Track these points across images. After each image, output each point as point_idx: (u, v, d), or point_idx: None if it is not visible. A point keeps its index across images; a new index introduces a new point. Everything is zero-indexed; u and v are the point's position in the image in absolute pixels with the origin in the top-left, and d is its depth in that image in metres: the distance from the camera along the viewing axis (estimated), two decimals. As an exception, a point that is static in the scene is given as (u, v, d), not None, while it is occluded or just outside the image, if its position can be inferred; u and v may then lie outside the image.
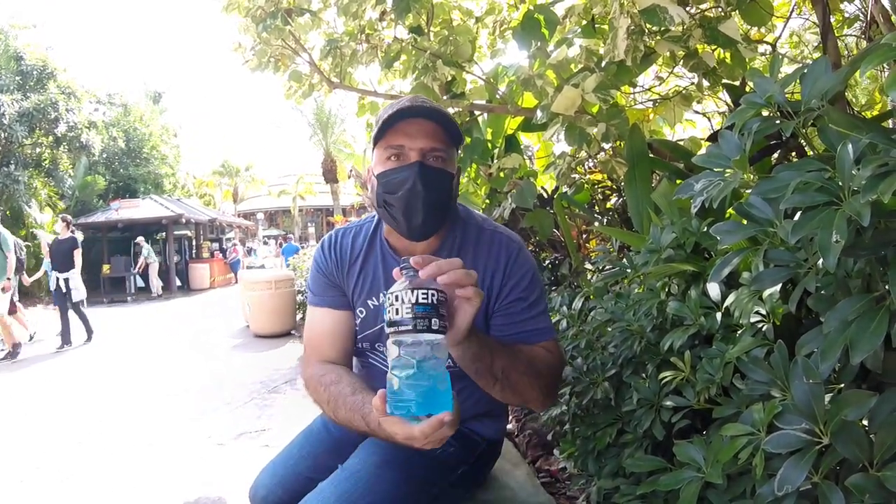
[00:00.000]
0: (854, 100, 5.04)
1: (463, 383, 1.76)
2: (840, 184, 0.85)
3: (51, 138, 19.80)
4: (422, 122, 1.59)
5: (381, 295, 1.75)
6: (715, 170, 1.08)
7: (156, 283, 20.38)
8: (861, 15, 3.45)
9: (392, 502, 1.59)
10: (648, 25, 2.42)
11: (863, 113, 3.70)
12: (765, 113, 1.11)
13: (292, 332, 9.89)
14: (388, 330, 1.17)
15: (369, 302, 1.78)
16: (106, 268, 19.04)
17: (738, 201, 1.11)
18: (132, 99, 26.29)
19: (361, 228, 1.86)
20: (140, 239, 20.38)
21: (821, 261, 0.92)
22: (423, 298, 1.14)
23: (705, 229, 1.58)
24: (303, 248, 22.22)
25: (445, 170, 1.64)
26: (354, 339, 1.83)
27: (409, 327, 1.13)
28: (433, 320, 1.14)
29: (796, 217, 0.88)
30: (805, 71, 1.09)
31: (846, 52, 3.65)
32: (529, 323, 1.66)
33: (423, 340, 1.14)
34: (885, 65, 0.86)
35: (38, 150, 19.95)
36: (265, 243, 32.30)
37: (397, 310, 1.15)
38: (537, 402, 1.60)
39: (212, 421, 5.38)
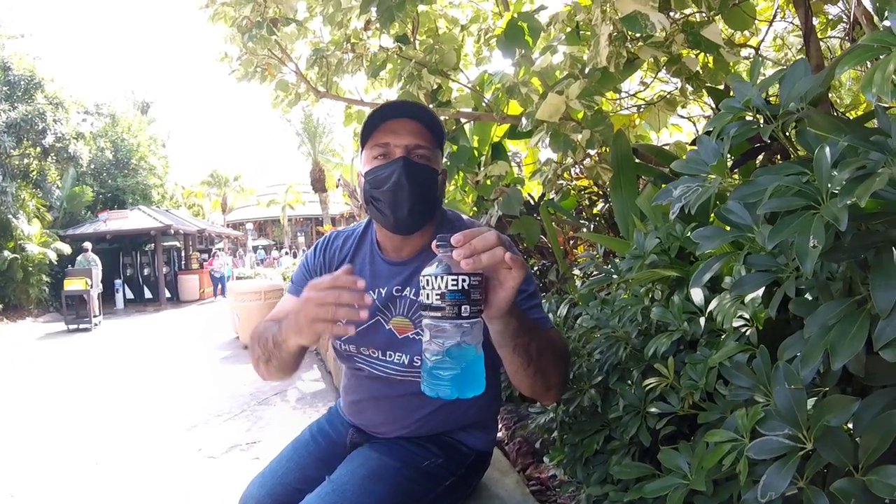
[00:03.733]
0: (839, 101, 5.07)
1: None
2: (818, 187, 0.85)
3: (38, 149, 19.72)
4: (406, 121, 1.62)
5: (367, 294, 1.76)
6: (694, 175, 1.08)
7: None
8: (844, 17, 3.47)
9: None
10: (630, 33, 2.43)
11: (847, 113, 3.71)
12: (748, 117, 1.11)
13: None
14: (421, 311, 1.17)
15: None
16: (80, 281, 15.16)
17: (721, 205, 1.11)
18: (120, 109, 26.26)
19: (354, 231, 1.90)
20: (87, 244, 17.71)
21: (801, 265, 0.92)
22: (454, 285, 1.13)
23: (689, 234, 1.58)
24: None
25: (430, 166, 1.67)
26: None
27: (438, 315, 1.14)
28: (463, 307, 1.13)
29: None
30: (784, 74, 1.09)
31: (830, 55, 3.67)
32: (531, 312, 1.64)
33: (453, 327, 1.14)
34: (868, 63, 0.86)
35: (25, 161, 19.85)
36: (286, 254, 32.81)
37: (428, 294, 1.15)
38: (556, 388, 1.59)
39: (202, 433, 5.35)
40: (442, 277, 1.13)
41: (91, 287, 15.14)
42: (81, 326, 14.77)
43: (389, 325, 1.74)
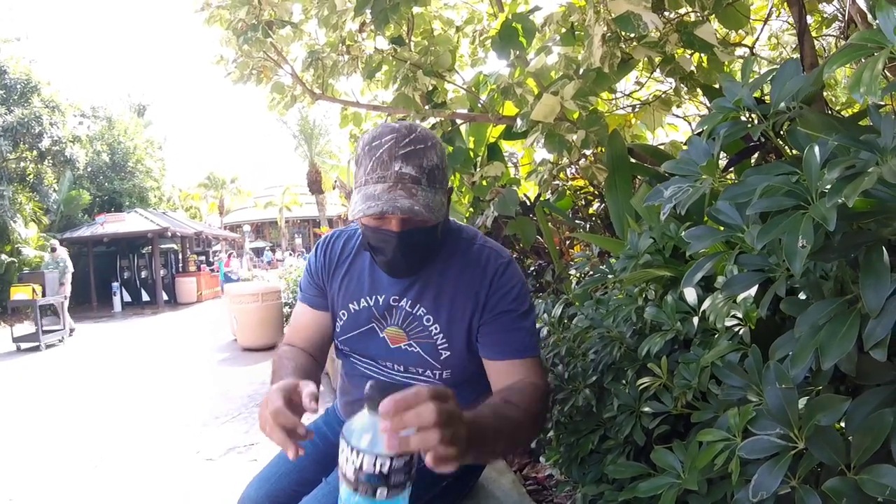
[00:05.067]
0: (833, 99, 5.07)
1: None
2: (808, 187, 0.85)
3: (35, 153, 19.70)
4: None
5: (363, 300, 1.75)
6: (686, 175, 1.08)
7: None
8: (839, 16, 3.47)
9: None
10: (624, 33, 2.43)
11: (842, 112, 3.71)
12: (743, 117, 1.11)
13: (280, 344, 9.81)
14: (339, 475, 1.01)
15: (350, 306, 1.76)
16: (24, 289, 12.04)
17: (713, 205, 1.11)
18: (116, 112, 26.25)
19: (355, 232, 1.83)
20: (54, 241, 14.95)
21: (792, 265, 0.92)
22: (370, 468, 0.96)
23: (682, 234, 1.58)
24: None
25: (427, 227, 1.56)
26: (330, 340, 1.86)
27: (350, 488, 0.99)
28: (379, 490, 0.97)
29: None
30: (775, 73, 1.09)
31: (825, 54, 3.67)
32: (517, 335, 1.62)
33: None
34: (863, 60, 0.86)
35: (22, 164, 19.81)
36: (290, 254, 32.89)
37: (345, 459, 0.99)
38: (532, 440, 1.64)
39: (200, 436, 5.34)
40: (358, 453, 0.96)
41: (43, 295, 12.14)
42: (37, 344, 11.76)
43: (383, 334, 1.73)
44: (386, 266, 1.61)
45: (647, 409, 1.38)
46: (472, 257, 1.69)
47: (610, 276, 1.81)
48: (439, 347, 1.68)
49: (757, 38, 3.58)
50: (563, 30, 2.90)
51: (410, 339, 1.70)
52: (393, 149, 1.49)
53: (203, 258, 25.91)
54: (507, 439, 1.35)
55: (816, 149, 0.85)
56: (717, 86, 2.91)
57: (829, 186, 0.80)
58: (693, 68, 2.95)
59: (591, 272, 2.17)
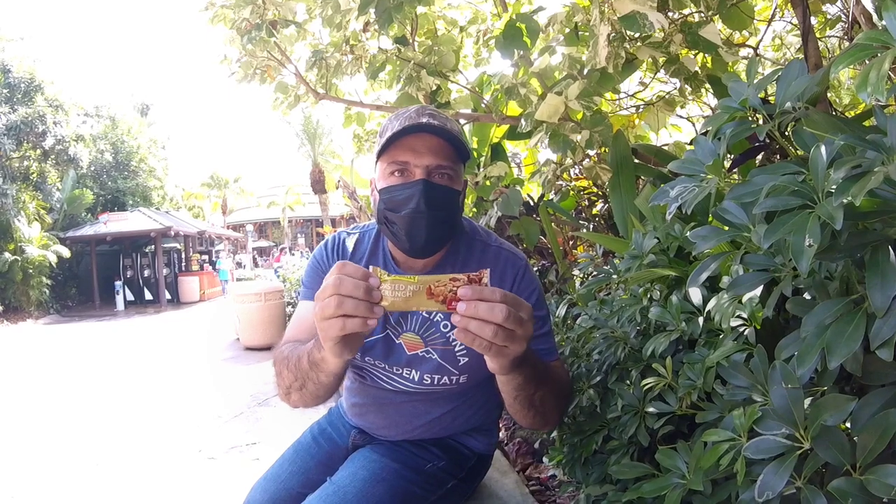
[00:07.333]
0: (837, 100, 5.06)
1: (455, 402, 1.76)
2: (814, 186, 0.85)
3: (38, 151, 19.76)
4: (428, 137, 1.50)
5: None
6: (691, 175, 1.08)
7: None
8: (843, 16, 3.46)
9: None
10: (629, 33, 2.43)
11: (846, 113, 3.71)
12: (748, 117, 1.11)
13: (279, 344, 9.79)
14: None
15: None
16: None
17: (718, 205, 1.11)
18: (120, 111, 26.27)
19: (365, 234, 1.79)
20: None
21: (798, 264, 0.92)
22: None
23: (687, 234, 1.58)
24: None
25: (452, 188, 1.56)
26: None
27: None
28: None
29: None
30: (780, 73, 1.09)
31: (829, 54, 3.66)
32: (540, 341, 1.62)
33: None
34: (867, 62, 0.85)
35: (25, 163, 19.86)
36: (293, 254, 32.84)
37: None
38: (553, 423, 1.60)
39: (202, 434, 5.34)
40: None
41: None
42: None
43: (399, 340, 1.68)
44: (405, 232, 1.52)
45: (651, 409, 1.37)
46: (489, 260, 1.67)
47: (614, 277, 1.81)
48: (457, 353, 1.65)
49: (761, 39, 3.58)
50: (567, 30, 2.89)
51: (428, 346, 1.66)
52: (420, 110, 1.55)
53: (206, 257, 25.95)
54: (546, 387, 1.42)
55: (823, 148, 0.85)
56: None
57: (835, 186, 0.80)
58: (697, 69, 2.94)
59: (595, 272, 2.16)
